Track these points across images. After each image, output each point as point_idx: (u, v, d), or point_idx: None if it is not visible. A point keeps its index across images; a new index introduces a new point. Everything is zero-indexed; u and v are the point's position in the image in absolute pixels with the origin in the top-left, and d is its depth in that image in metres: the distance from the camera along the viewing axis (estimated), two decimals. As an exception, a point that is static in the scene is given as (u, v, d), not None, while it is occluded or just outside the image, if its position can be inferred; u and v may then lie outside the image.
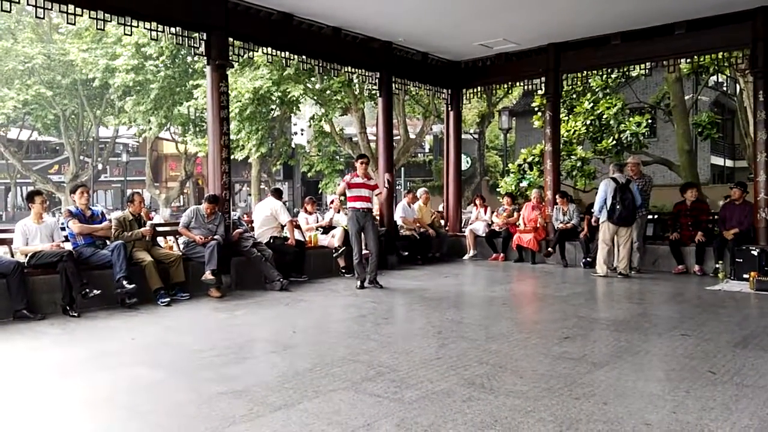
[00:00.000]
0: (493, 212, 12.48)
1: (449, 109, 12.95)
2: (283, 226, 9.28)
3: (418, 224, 11.65)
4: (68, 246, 7.15)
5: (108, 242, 7.35)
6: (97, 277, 6.91)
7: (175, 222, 9.50)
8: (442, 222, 12.76)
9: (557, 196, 11.14)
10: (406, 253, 11.21)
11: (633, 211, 9.23)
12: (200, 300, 7.52)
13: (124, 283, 6.85)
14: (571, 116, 14.23)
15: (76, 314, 6.51)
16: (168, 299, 7.22)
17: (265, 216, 9.20)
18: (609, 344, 5.14)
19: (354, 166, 8.71)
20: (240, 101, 19.30)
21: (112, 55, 23.36)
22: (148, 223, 7.88)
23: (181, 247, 8.48)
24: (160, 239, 8.66)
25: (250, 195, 33.04)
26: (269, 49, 9.64)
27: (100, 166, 34.92)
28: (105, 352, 5.13)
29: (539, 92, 12.56)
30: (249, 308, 7.09)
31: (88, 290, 6.65)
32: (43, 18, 8.04)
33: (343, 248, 9.71)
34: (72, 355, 5.04)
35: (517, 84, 12.44)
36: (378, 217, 10.87)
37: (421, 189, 12.37)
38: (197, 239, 8.02)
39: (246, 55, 9.39)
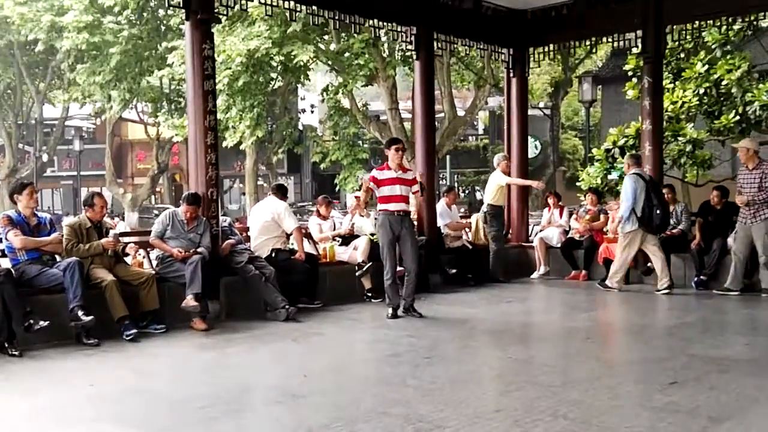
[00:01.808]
0: (571, 215, 12.41)
1: (511, 75, 12.91)
2: (288, 236, 9.36)
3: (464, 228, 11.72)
4: (5, 263, 7.29)
5: (58, 258, 7.48)
6: (45, 304, 7.02)
7: (146, 231, 9.65)
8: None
9: (664, 189, 11.03)
10: (454, 271, 11.21)
11: (668, 215, 10.15)
12: (180, 334, 7.60)
13: (80, 314, 6.91)
14: (678, 83, 14.09)
15: (17, 353, 6.60)
16: (135, 332, 7.29)
17: (265, 222, 9.28)
18: (732, 392, 5.10)
19: (383, 155, 8.73)
20: (230, 68, 19.50)
21: (59, 10, 23.77)
22: (111, 232, 7.94)
23: (154, 263, 8.61)
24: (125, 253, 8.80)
25: (244, 194, 33.34)
26: (268, -4, 9.76)
27: (45, 157, 35.53)
28: (56, 403, 5.23)
29: (634, 51, 12.45)
30: (245, 345, 7.16)
31: (32, 321, 6.72)
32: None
33: (370, 264, 9.75)
34: (12, 408, 5.14)
35: (604, 40, 12.36)
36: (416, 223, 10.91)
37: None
38: (175, 253, 8.13)
39: (237, 6, 9.48)
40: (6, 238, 7.31)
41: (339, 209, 17.86)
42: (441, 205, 11.75)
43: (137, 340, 7.23)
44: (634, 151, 11.59)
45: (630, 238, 9.96)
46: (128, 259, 8.82)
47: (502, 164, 11.82)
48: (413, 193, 8.70)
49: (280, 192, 9.70)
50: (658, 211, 9.78)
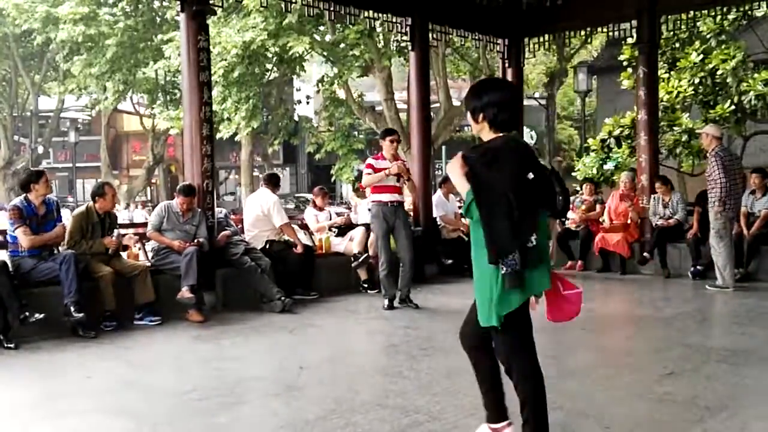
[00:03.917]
0: (567, 204, 12.41)
1: (506, 65, 12.91)
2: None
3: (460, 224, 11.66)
4: (2, 255, 7.24)
5: (56, 250, 7.43)
6: (41, 296, 7.02)
7: (141, 223, 9.62)
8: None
9: (656, 182, 11.03)
10: (450, 261, 11.20)
11: (569, 202, 10.33)
12: (176, 326, 7.58)
13: (72, 310, 6.86)
14: (673, 73, 14.07)
15: (12, 345, 6.58)
16: (115, 323, 7.29)
17: (257, 215, 9.25)
18: (728, 382, 5.10)
19: (379, 146, 8.69)
20: (225, 60, 19.46)
21: (55, 1, 23.67)
22: (115, 231, 7.83)
23: (149, 255, 8.58)
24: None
25: (239, 185, 33.31)
26: (263, -12, 9.72)
27: (40, 149, 35.45)
28: (52, 394, 5.23)
29: (629, 40, 12.42)
30: (241, 336, 7.15)
31: (28, 314, 6.71)
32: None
33: (366, 255, 9.75)
34: (8, 400, 5.15)
35: (600, 30, 12.31)
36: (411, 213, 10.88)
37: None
38: (176, 245, 8.07)
39: (232, -2, 9.48)
40: (13, 232, 7.22)
41: (338, 201, 17.78)
42: (438, 196, 11.69)
43: (115, 330, 7.22)
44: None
45: None
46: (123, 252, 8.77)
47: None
48: (407, 181, 8.60)
49: (272, 182, 9.59)
50: (560, 198, 9.98)
